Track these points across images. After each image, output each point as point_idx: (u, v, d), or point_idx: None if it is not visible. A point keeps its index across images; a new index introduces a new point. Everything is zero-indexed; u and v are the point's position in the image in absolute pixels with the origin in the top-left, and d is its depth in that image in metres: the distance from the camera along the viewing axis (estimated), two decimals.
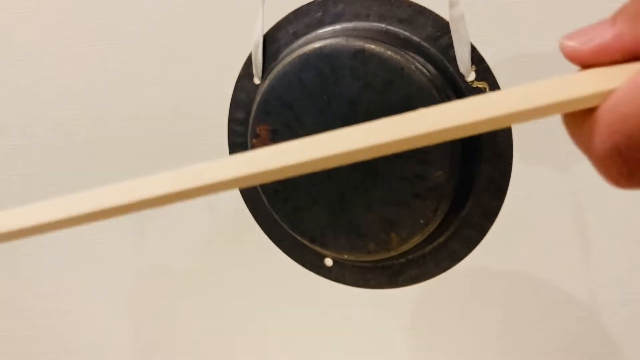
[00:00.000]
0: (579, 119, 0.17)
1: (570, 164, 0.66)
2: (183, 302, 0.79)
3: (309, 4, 0.39)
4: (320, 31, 0.39)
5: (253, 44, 0.41)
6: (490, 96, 0.18)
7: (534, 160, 0.67)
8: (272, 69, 0.40)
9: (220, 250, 0.77)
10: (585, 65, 0.18)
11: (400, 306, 0.75)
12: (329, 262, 0.43)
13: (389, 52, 0.35)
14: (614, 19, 0.17)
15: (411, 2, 0.37)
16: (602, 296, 0.71)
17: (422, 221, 0.37)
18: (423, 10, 0.36)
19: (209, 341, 0.80)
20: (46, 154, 0.76)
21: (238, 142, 0.44)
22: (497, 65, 0.64)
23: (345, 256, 0.40)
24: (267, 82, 0.39)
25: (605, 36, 0.17)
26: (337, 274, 0.43)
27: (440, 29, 0.36)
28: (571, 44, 0.18)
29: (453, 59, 0.36)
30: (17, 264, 0.80)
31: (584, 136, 0.17)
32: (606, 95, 0.16)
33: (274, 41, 0.41)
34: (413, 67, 0.35)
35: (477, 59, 0.35)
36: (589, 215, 0.68)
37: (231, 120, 0.44)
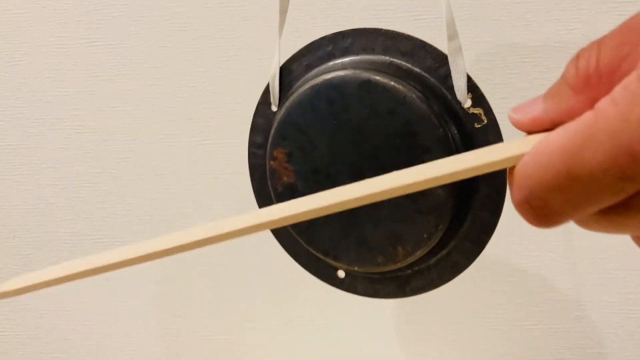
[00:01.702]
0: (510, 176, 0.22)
1: None
2: (183, 301, 0.80)
3: (320, 38, 0.43)
4: (331, 63, 0.43)
5: (270, 75, 0.45)
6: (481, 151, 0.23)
7: None
8: (288, 97, 0.44)
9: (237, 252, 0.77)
10: (528, 132, 0.23)
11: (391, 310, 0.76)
12: (341, 274, 0.47)
13: (392, 83, 0.39)
14: (543, 97, 0.23)
15: (412, 37, 0.40)
16: (600, 296, 0.71)
17: (425, 235, 0.40)
18: (423, 44, 0.40)
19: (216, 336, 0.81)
20: (46, 154, 0.77)
21: (257, 164, 0.48)
22: (493, 52, 0.66)
23: (356, 268, 0.44)
24: (283, 110, 0.43)
25: (537, 111, 0.22)
26: (349, 285, 0.47)
27: (439, 60, 0.40)
28: (515, 116, 0.23)
29: (451, 88, 0.39)
30: (16, 263, 0.82)
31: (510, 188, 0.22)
32: (519, 158, 0.21)
33: (289, 72, 0.45)
34: (414, 96, 0.39)
35: (472, 87, 0.39)
36: None
37: (251, 144, 0.48)
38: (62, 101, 0.75)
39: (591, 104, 0.20)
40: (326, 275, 0.47)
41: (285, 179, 0.44)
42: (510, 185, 0.22)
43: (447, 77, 0.39)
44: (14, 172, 0.79)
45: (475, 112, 0.39)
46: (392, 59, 0.41)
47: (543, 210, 0.21)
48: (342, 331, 0.78)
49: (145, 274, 0.79)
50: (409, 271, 0.44)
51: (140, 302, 0.81)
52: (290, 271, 0.73)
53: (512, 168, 0.22)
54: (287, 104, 0.43)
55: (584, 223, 0.22)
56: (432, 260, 0.43)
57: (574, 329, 0.73)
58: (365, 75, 0.40)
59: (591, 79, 0.21)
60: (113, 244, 0.79)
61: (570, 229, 0.68)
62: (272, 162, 0.44)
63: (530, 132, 0.22)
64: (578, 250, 0.70)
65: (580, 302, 0.72)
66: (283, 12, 0.44)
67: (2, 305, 0.83)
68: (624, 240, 0.67)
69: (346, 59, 0.42)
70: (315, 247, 0.44)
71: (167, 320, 0.81)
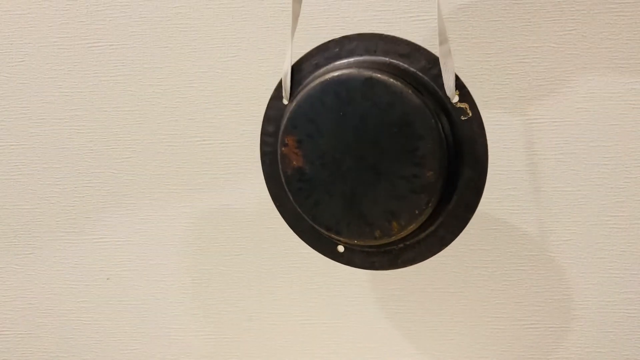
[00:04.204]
0: None
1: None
2: (183, 301, 0.81)
3: (328, 41, 0.50)
4: (337, 63, 0.49)
5: (283, 73, 0.51)
6: None
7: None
8: (299, 92, 0.50)
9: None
10: None
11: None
12: (341, 248, 0.53)
13: (392, 80, 0.46)
14: None
15: (409, 41, 0.47)
16: (599, 295, 0.72)
17: (417, 211, 0.47)
18: (418, 48, 0.47)
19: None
20: (48, 154, 0.77)
21: (268, 151, 0.54)
22: (493, 52, 0.65)
23: (355, 241, 0.50)
24: (294, 102, 0.49)
25: None
26: (348, 259, 0.53)
27: (431, 61, 0.46)
28: None
29: (441, 86, 0.46)
30: (17, 263, 0.82)
31: None
32: None
33: (299, 70, 0.51)
34: (410, 91, 0.45)
35: (460, 85, 0.46)
36: (586, 212, 0.70)
37: (263, 133, 0.54)
38: (64, 101, 0.76)
39: None
40: (328, 250, 0.54)
41: (294, 163, 0.50)
42: None
43: (438, 76, 0.46)
44: (16, 172, 0.79)
45: (462, 106, 0.46)
46: (391, 60, 0.48)
47: None
48: (342, 332, 0.79)
49: (144, 274, 0.81)
50: (401, 245, 0.50)
51: (140, 302, 0.82)
52: (289, 272, 0.78)
53: None
54: (299, 97, 0.49)
55: None
56: (422, 235, 0.49)
57: (573, 328, 0.74)
58: (368, 73, 0.46)
59: None
60: (114, 244, 0.80)
61: (570, 228, 0.71)
62: (283, 148, 0.50)
63: None
64: (577, 251, 0.72)
65: (580, 302, 0.73)
66: (295, 16, 0.51)
67: (3, 305, 0.84)
68: (623, 240, 0.71)
69: (351, 59, 0.49)
70: (320, 224, 0.51)
71: (167, 320, 0.82)
